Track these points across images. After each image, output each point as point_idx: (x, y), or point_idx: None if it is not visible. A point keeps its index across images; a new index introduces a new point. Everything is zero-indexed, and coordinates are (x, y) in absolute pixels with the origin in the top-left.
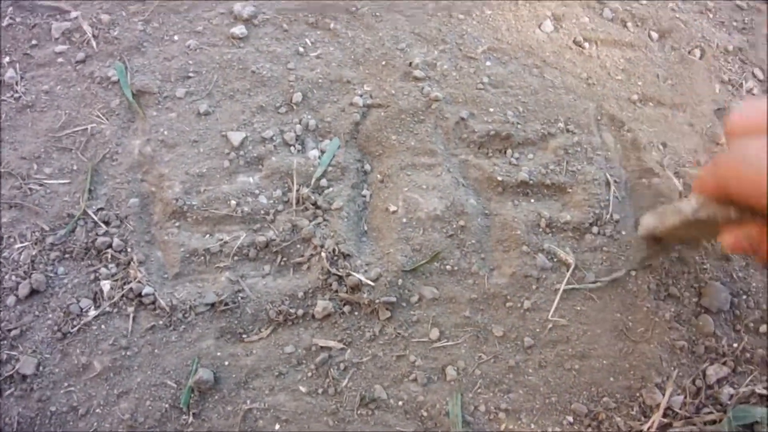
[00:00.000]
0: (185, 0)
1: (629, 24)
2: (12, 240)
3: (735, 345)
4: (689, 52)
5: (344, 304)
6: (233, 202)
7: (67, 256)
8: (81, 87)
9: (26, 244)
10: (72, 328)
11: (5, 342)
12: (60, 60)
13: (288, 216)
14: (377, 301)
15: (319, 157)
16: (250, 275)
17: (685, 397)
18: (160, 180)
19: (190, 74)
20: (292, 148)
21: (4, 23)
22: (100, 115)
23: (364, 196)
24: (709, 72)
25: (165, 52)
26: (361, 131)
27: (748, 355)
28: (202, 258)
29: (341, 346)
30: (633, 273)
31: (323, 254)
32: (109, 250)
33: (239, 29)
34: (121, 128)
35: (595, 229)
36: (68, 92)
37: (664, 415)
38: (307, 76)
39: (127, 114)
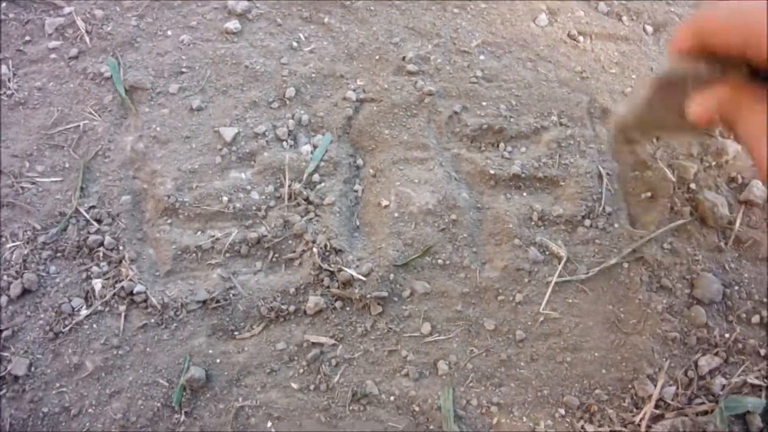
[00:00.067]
0: None
1: (624, 18)
2: (4, 239)
3: (727, 336)
4: None
5: (336, 300)
6: (225, 199)
7: (59, 255)
8: (74, 83)
9: (18, 243)
10: (64, 328)
11: None
12: (53, 56)
13: (280, 212)
14: (369, 296)
15: (312, 152)
16: (241, 272)
17: (677, 388)
18: (153, 177)
19: (183, 70)
20: (284, 143)
21: None
22: (93, 112)
23: (357, 191)
24: None
25: (158, 47)
26: (353, 126)
27: (740, 345)
28: (194, 255)
29: (333, 342)
30: (625, 265)
31: (315, 250)
32: (101, 249)
33: (233, 24)
34: (113, 125)
35: (587, 222)
36: (61, 89)
37: (656, 407)
38: (301, 71)
39: (120, 110)
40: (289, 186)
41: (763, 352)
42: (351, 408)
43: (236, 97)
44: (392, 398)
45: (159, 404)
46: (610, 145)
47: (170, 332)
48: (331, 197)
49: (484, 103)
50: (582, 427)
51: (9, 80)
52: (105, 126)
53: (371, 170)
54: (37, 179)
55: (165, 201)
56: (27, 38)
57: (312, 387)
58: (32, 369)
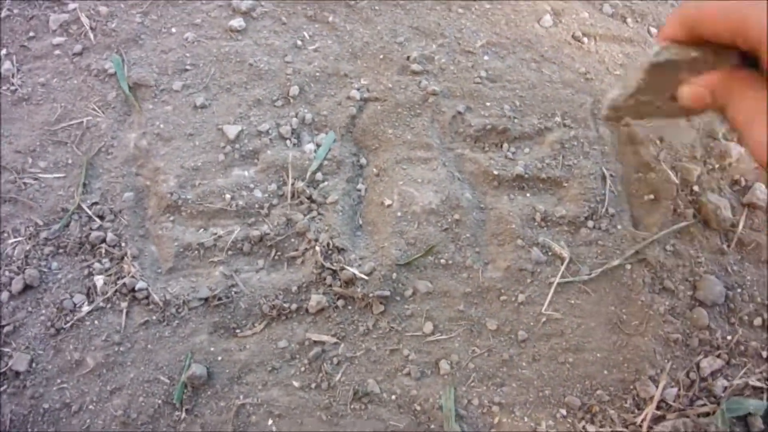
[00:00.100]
0: None
1: (629, 19)
2: (6, 235)
3: (729, 338)
4: None
5: (338, 299)
6: (228, 196)
7: (60, 251)
8: (77, 80)
9: (20, 239)
10: (65, 324)
11: None
12: (57, 52)
13: (283, 210)
14: (371, 295)
15: (315, 151)
16: (244, 270)
17: (679, 390)
18: (155, 174)
19: (187, 67)
20: (287, 141)
21: (2, 15)
22: (96, 108)
23: (360, 190)
24: None
25: (162, 44)
26: (357, 125)
27: (742, 347)
28: (196, 252)
29: (335, 340)
30: (628, 266)
31: (317, 248)
32: (103, 245)
33: (237, 22)
34: (117, 121)
35: (590, 223)
36: (65, 85)
37: (658, 408)
38: (305, 70)
39: (123, 107)
40: (292, 184)
41: (764, 354)
42: (352, 407)
43: (240, 95)
44: (394, 397)
45: (160, 401)
46: (613, 145)
47: (172, 329)
48: (334, 196)
49: (488, 104)
50: (583, 427)
51: (13, 76)
52: (108, 123)
53: (374, 169)
54: (40, 175)
55: (168, 198)
56: (31, 34)
57: (313, 385)
58: (33, 365)
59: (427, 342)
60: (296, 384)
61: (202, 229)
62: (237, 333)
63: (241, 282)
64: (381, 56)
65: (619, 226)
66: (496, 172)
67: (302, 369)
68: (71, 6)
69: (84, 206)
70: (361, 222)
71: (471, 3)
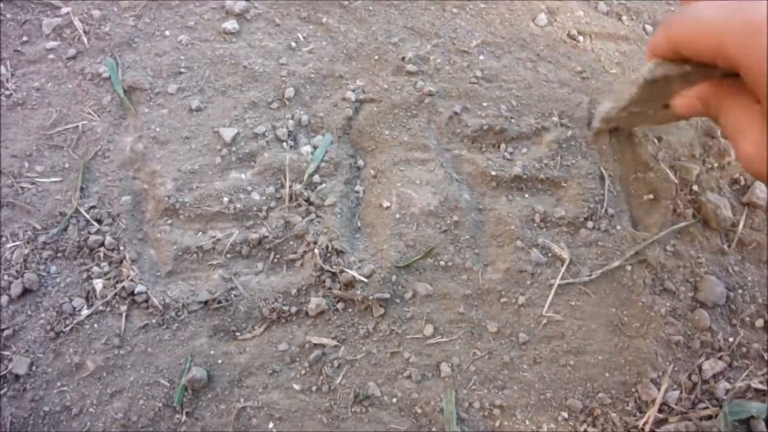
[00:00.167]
0: None
1: (624, 17)
2: (4, 239)
3: (731, 340)
4: None
5: (338, 301)
6: (225, 199)
7: (59, 255)
8: (72, 84)
9: (18, 243)
10: (65, 328)
11: None
12: (51, 56)
13: (281, 213)
14: (371, 297)
15: (312, 153)
16: (243, 273)
17: (681, 392)
18: (152, 177)
19: (182, 70)
20: (284, 143)
21: None
22: (92, 112)
23: (357, 192)
24: None
25: (156, 47)
26: (353, 126)
27: (744, 349)
28: (195, 256)
29: (335, 343)
30: (628, 267)
31: (316, 251)
32: (102, 249)
33: (231, 24)
34: (112, 125)
35: (589, 224)
36: (59, 89)
37: (660, 411)
38: (300, 71)
39: (119, 111)
40: (290, 187)
41: (766, 356)
42: (353, 410)
43: (235, 97)
44: (394, 400)
45: (160, 404)
46: (611, 146)
47: (171, 332)
48: (332, 198)
49: (484, 104)
50: (585, 430)
51: (7, 81)
52: (104, 126)
53: (372, 171)
54: (37, 179)
55: (165, 201)
56: (25, 38)
57: (314, 388)
58: (33, 368)
59: (428, 344)
60: (297, 387)
61: (200, 233)
62: (237, 336)
63: (241, 285)
64: (376, 57)
65: (618, 227)
66: (494, 173)
67: (302, 372)
68: (64, 10)
69: (82, 210)
70: (359, 224)
71: (465, 3)
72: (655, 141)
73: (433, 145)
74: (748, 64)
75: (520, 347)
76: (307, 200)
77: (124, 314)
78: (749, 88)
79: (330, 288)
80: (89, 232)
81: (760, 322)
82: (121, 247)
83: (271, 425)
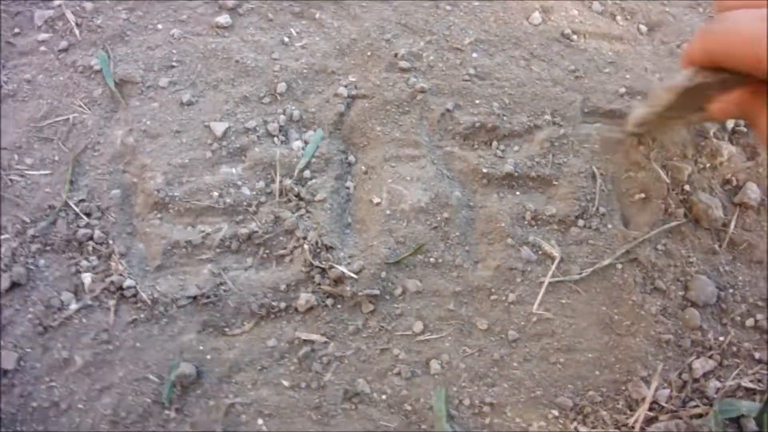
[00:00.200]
0: None
1: (618, 17)
2: None
3: (721, 338)
4: (678, 46)
5: (327, 297)
6: (215, 194)
7: (48, 248)
8: (63, 76)
9: (7, 236)
10: (53, 322)
11: None
12: (42, 48)
13: (271, 208)
14: (360, 293)
15: (303, 148)
16: (232, 268)
17: (671, 391)
18: (142, 171)
19: (174, 63)
20: (275, 138)
21: None
22: (82, 105)
23: (348, 188)
24: None
25: (148, 41)
26: (345, 122)
27: (734, 348)
28: (184, 250)
29: (324, 339)
30: (619, 266)
31: (306, 246)
32: (91, 242)
33: (224, 18)
34: (103, 118)
35: (581, 222)
36: (50, 81)
37: (650, 409)
38: (292, 66)
39: (110, 104)
40: (280, 182)
41: (757, 355)
42: (342, 406)
43: (227, 91)
44: (384, 397)
45: (149, 400)
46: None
47: (160, 328)
48: (323, 194)
49: (477, 101)
50: (575, 428)
51: None
52: (95, 119)
53: (363, 167)
54: (27, 172)
55: (155, 195)
56: (16, 30)
57: (303, 385)
58: (21, 363)
59: (417, 341)
60: (286, 383)
61: (189, 227)
62: (226, 332)
63: (230, 280)
64: (369, 53)
65: (609, 225)
66: (485, 171)
67: (292, 368)
68: (56, 2)
69: (71, 203)
70: (349, 220)
71: (459, 0)
72: (648, 141)
73: (424, 142)
74: None
75: (510, 345)
76: (298, 195)
77: (112, 309)
78: None
79: (319, 284)
80: (78, 226)
81: (750, 322)
82: (110, 241)
83: (260, 421)
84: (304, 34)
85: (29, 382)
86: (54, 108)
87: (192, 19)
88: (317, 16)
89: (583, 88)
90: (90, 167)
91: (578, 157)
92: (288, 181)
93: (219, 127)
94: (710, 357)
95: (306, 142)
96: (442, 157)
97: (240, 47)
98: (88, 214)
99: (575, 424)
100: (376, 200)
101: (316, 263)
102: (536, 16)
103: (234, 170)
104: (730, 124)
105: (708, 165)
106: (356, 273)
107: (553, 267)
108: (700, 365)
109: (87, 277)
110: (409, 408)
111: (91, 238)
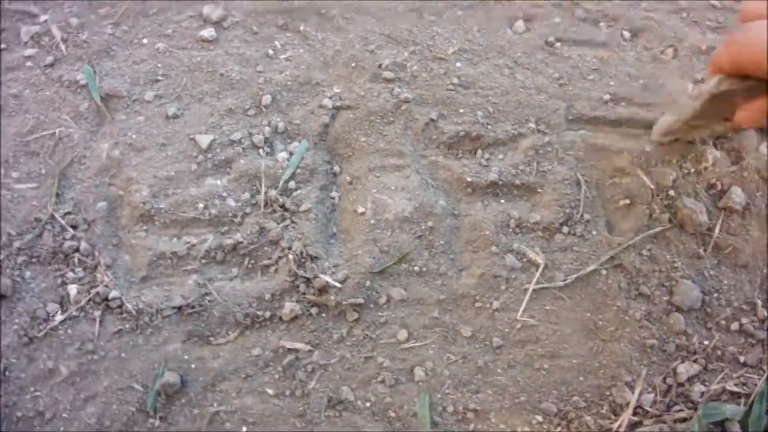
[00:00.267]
0: (155, 2)
1: (601, 24)
2: None
3: (706, 343)
4: (662, 52)
5: (312, 306)
6: (201, 205)
7: (34, 260)
8: (50, 91)
9: None
10: (38, 333)
11: None
12: (29, 64)
13: (256, 218)
14: (345, 302)
15: (288, 160)
16: (217, 278)
17: (656, 396)
18: (128, 184)
19: (159, 77)
20: (260, 150)
21: None
22: (69, 119)
23: (333, 198)
24: (682, 71)
25: (134, 55)
26: (330, 133)
27: (719, 352)
28: (170, 261)
29: (309, 348)
30: (603, 272)
31: (291, 256)
32: (77, 254)
33: (208, 32)
34: (89, 132)
35: (565, 229)
36: (37, 96)
37: (635, 414)
38: (277, 79)
39: (96, 118)
40: (265, 193)
41: (742, 359)
42: (326, 414)
43: (212, 104)
44: (368, 404)
45: (134, 409)
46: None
47: (145, 338)
48: (308, 204)
49: (461, 110)
50: None
51: None
52: (81, 133)
53: (348, 177)
54: (13, 185)
55: (141, 208)
56: (3, 46)
57: (287, 393)
58: (6, 373)
59: (402, 349)
60: (270, 391)
61: (175, 238)
62: (211, 341)
63: (215, 290)
64: (353, 64)
65: (594, 232)
66: (469, 179)
67: (276, 376)
68: (42, 18)
69: (57, 216)
70: (334, 230)
71: (443, 10)
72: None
73: (409, 152)
74: None
75: (494, 351)
76: (283, 206)
77: (98, 320)
78: None
79: (304, 293)
80: (64, 238)
81: (735, 326)
82: (96, 253)
83: (244, 429)
84: (289, 46)
85: (14, 392)
86: (40, 122)
87: (177, 33)
88: (301, 28)
89: (567, 95)
90: (76, 180)
91: (563, 165)
92: (273, 192)
93: (204, 140)
94: (695, 361)
95: (291, 153)
96: (427, 166)
97: (225, 60)
98: (74, 227)
99: (559, 429)
100: (360, 210)
101: (301, 273)
102: (520, 25)
103: (219, 182)
104: None
105: (692, 170)
106: (341, 282)
107: (538, 274)
108: (685, 369)
109: (73, 289)
110: (393, 415)
111: (77, 250)
